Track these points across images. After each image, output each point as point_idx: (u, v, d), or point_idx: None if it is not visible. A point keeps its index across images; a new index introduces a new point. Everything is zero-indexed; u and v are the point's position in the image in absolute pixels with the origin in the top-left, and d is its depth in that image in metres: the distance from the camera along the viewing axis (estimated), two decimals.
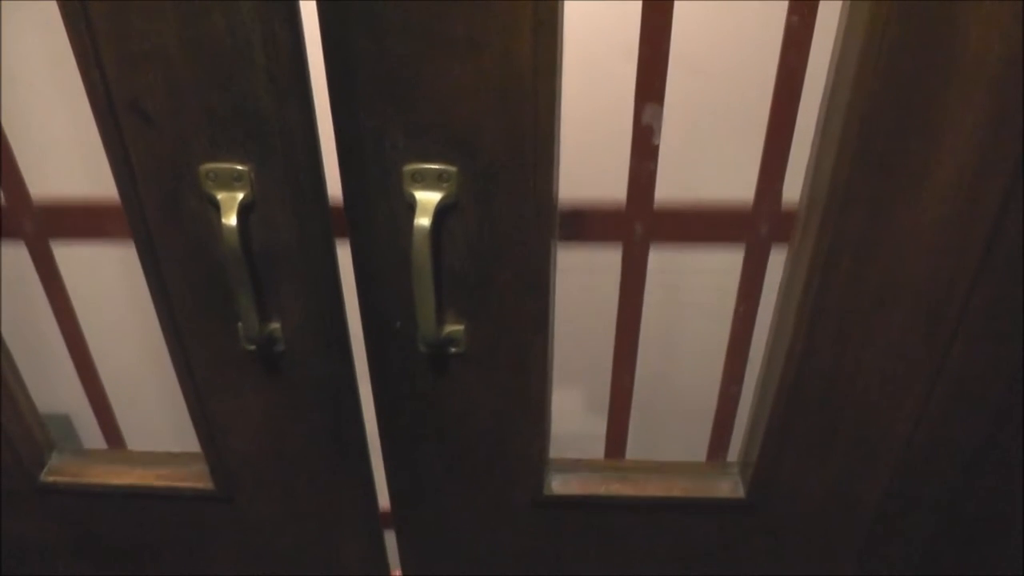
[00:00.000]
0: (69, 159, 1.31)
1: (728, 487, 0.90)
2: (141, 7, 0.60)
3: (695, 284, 1.42)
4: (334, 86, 0.64)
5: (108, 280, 1.47)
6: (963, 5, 0.57)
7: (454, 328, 0.75)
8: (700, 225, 0.93)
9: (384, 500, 0.93)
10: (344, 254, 0.73)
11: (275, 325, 0.76)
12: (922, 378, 0.77)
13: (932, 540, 0.93)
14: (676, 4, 0.74)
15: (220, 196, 0.67)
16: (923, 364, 0.76)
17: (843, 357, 0.76)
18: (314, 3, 0.60)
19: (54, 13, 0.62)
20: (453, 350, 0.77)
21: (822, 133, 0.67)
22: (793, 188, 0.78)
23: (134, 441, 1.16)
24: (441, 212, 0.67)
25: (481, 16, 0.59)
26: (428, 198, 0.67)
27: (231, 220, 0.67)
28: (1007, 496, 0.88)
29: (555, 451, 0.90)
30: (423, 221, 0.66)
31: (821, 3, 0.76)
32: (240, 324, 0.75)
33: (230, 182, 0.67)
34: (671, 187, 0.90)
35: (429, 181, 0.66)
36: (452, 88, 0.62)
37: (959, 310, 0.72)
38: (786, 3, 0.77)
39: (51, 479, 0.93)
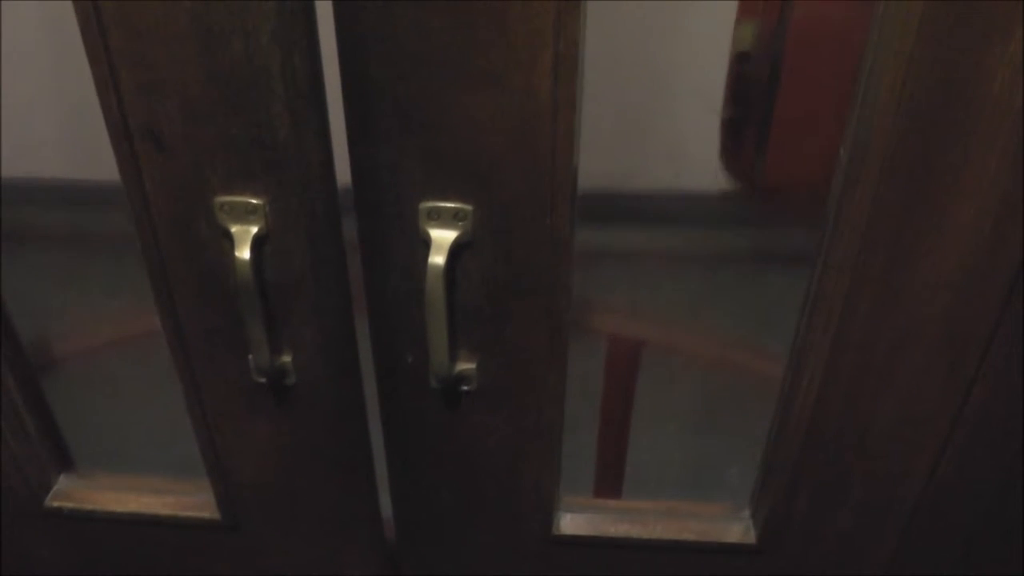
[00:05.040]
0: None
1: (739, 531, 0.88)
2: (160, 33, 0.60)
3: None
4: (351, 117, 0.63)
5: None
6: (989, 49, 0.56)
7: (466, 367, 0.75)
8: None
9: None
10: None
11: (286, 358, 0.76)
12: (941, 422, 0.76)
13: None
14: None
15: (234, 229, 0.67)
16: (943, 407, 0.75)
17: (860, 400, 0.75)
18: (333, 33, 0.60)
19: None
20: (465, 388, 0.76)
21: (844, 175, 0.66)
22: None
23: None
24: (456, 249, 0.67)
25: (501, 51, 0.58)
26: (443, 236, 0.66)
27: (244, 254, 0.67)
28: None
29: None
30: (437, 260, 0.66)
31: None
32: (251, 356, 0.74)
33: (244, 215, 0.67)
34: None
35: (445, 219, 0.66)
36: (470, 122, 0.62)
37: (980, 354, 0.71)
38: None
39: (56, 504, 0.93)
